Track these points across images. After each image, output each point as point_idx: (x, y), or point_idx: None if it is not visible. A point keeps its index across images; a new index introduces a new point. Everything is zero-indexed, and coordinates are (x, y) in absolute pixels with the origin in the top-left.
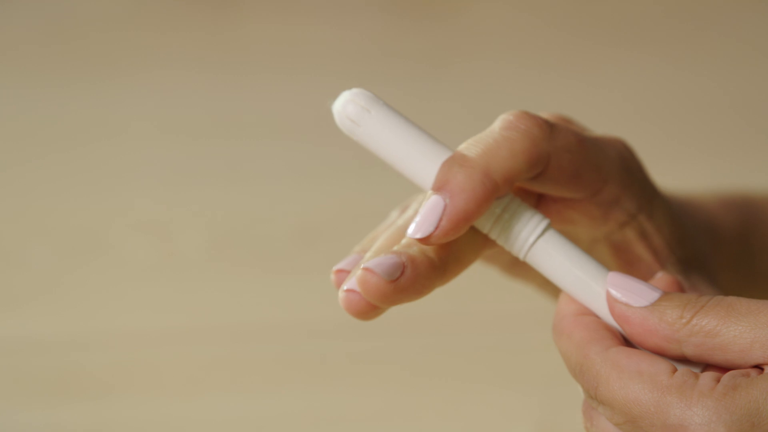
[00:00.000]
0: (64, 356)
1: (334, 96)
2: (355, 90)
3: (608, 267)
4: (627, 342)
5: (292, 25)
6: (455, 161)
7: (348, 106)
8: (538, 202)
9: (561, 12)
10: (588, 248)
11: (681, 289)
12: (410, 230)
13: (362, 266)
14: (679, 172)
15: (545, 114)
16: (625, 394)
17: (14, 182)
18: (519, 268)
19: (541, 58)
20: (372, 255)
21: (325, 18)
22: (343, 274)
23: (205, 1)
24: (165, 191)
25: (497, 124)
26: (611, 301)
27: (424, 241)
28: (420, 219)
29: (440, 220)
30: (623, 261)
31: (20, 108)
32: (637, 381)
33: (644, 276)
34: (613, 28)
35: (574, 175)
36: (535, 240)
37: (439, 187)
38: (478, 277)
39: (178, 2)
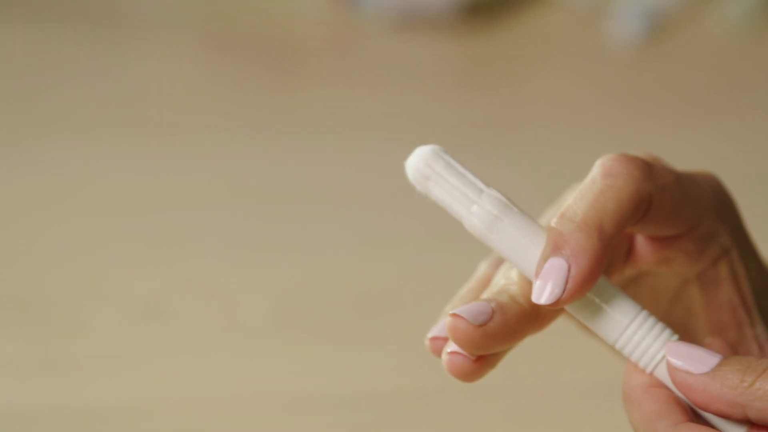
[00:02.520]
0: (125, 424)
1: (399, 161)
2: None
3: (697, 310)
4: (696, 416)
5: (358, 92)
6: (568, 220)
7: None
8: (633, 244)
9: (623, 83)
10: (680, 290)
11: (734, 353)
12: (535, 296)
13: (450, 312)
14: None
15: (639, 153)
16: None
17: (77, 247)
18: None
19: (603, 128)
20: (460, 303)
21: (389, 86)
22: (439, 341)
23: (272, 67)
24: (228, 258)
25: (597, 172)
26: (672, 370)
27: (552, 305)
28: (543, 284)
29: (566, 282)
30: (711, 303)
31: (83, 174)
32: None
33: (728, 321)
34: (676, 99)
35: (673, 212)
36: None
37: (556, 249)
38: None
39: (243, 68)
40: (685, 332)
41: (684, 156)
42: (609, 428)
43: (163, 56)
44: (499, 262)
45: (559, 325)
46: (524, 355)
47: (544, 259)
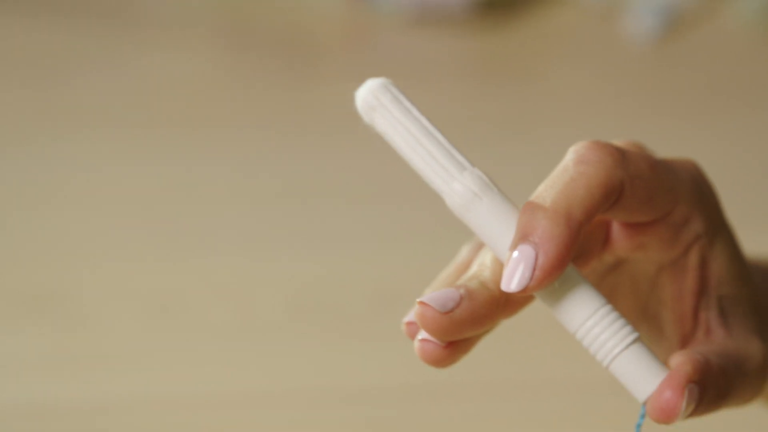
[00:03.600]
0: (141, 419)
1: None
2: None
3: (666, 300)
4: None
5: None
6: (536, 208)
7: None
8: (608, 231)
9: (638, 79)
10: (656, 278)
11: (699, 365)
12: (504, 284)
13: (417, 300)
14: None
15: (617, 141)
16: None
17: (93, 243)
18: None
19: (617, 125)
20: (437, 288)
21: (405, 82)
22: (413, 326)
23: (287, 63)
24: (243, 254)
25: (569, 158)
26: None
27: (521, 292)
28: (511, 271)
29: (533, 270)
30: (678, 292)
31: (100, 170)
32: None
33: (687, 310)
34: (691, 96)
35: (647, 199)
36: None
37: (524, 237)
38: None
39: (259, 63)
40: (657, 323)
41: (699, 153)
42: (623, 424)
43: (179, 52)
44: (481, 246)
45: None
46: (535, 349)
47: (513, 246)
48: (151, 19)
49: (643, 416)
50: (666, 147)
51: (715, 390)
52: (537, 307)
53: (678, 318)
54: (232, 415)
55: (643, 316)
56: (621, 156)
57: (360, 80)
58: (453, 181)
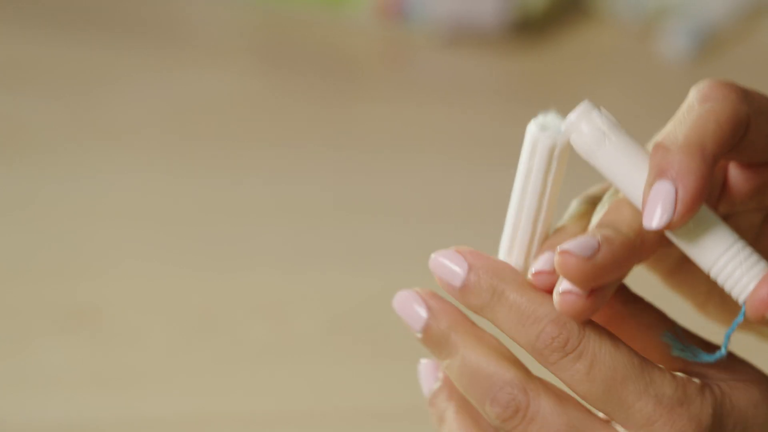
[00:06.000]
0: None
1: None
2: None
3: None
4: None
5: (408, 106)
6: (671, 143)
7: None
8: (726, 177)
9: (674, 99)
10: (760, 229)
11: None
12: (646, 222)
13: (558, 249)
14: None
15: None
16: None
17: (131, 259)
18: (681, 276)
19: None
20: (561, 239)
21: (440, 101)
22: (543, 275)
23: (323, 82)
24: (282, 271)
25: (693, 98)
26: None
27: (664, 228)
28: (652, 208)
29: (675, 205)
30: None
31: (138, 187)
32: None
33: None
34: None
35: None
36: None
37: (661, 173)
38: None
39: (295, 81)
40: None
41: None
42: None
43: (216, 70)
44: (593, 199)
45: None
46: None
47: (650, 184)
48: (188, 37)
49: (742, 315)
50: None
51: None
52: None
53: None
54: None
55: None
56: (744, 92)
57: (395, 99)
58: (581, 123)
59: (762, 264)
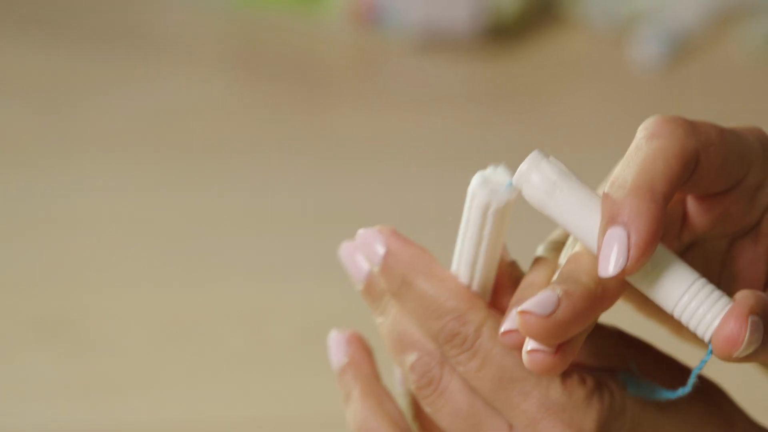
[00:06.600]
0: None
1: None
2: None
3: (740, 269)
4: None
5: (381, 113)
6: (619, 187)
7: (533, 175)
8: (685, 210)
9: (645, 105)
10: (727, 252)
11: (763, 299)
12: (601, 270)
13: (517, 310)
14: None
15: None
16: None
17: (107, 268)
18: (652, 305)
19: (625, 150)
20: (519, 296)
21: (413, 107)
22: (512, 334)
23: (296, 88)
24: (257, 279)
25: (641, 136)
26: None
27: (619, 275)
28: (606, 255)
29: (628, 250)
30: (753, 258)
31: (113, 196)
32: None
33: (762, 275)
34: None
35: (721, 166)
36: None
37: (612, 219)
38: None
39: (267, 88)
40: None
41: None
42: None
43: (190, 78)
44: (558, 244)
45: None
46: None
47: (602, 231)
48: (162, 46)
49: (709, 354)
50: None
51: None
52: None
53: (750, 287)
54: None
55: None
56: (691, 126)
57: (369, 105)
58: (531, 174)
59: (724, 299)
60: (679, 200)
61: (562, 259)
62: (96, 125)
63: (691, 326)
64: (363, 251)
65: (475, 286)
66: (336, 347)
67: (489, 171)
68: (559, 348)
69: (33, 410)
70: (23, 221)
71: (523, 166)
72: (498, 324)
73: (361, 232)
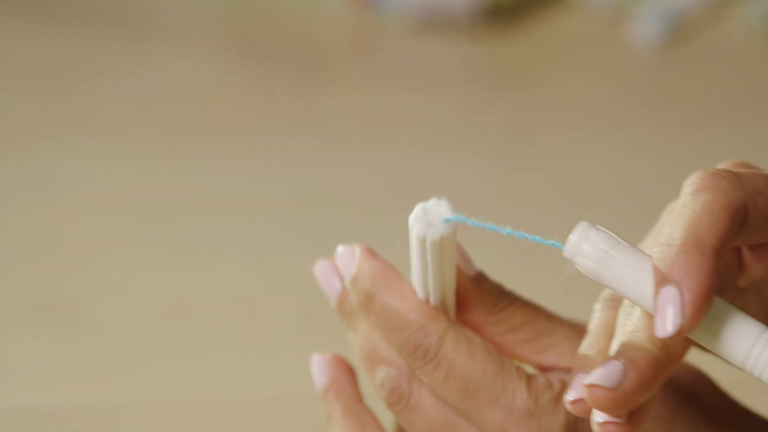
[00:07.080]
0: (148, 426)
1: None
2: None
3: None
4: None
5: (379, 93)
6: (668, 247)
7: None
8: (741, 257)
9: (643, 85)
10: None
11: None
12: (658, 331)
13: (584, 383)
14: None
15: (724, 164)
16: (472, 361)
17: (102, 249)
18: None
19: (623, 130)
20: (582, 362)
21: (410, 88)
22: (581, 403)
23: (293, 69)
24: (254, 260)
25: (686, 192)
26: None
27: (677, 334)
28: (662, 316)
29: (682, 308)
30: None
31: (108, 176)
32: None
33: None
34: (696, 102)
35: None
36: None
37: (664, 279)
38: None
39: (264, 69)
40: None
41: (703, 158)
42: None
43: (186, 59)
44: (615, 302)
45: None
46: None
47: (656, 292)
48: (159, 27)
49: None
50: (671, 152)
51: None
52: None
53: None
54: (240, 422)
55: None
56: (735, 177)
57: (366, 86)
58: (583, 245)
59: None
60: (734, 251)
61: (621, 319)
62: (92, 107)
63: (765, 378)
64: (340, 266)
65: (432, 302)
66: (318, 369)
67: (431, 203)
68: (631, 415)
69: (27, 391)
70: (18, 203)
71: (573, 237)
72: (460, 335)
73: (339, 249)
